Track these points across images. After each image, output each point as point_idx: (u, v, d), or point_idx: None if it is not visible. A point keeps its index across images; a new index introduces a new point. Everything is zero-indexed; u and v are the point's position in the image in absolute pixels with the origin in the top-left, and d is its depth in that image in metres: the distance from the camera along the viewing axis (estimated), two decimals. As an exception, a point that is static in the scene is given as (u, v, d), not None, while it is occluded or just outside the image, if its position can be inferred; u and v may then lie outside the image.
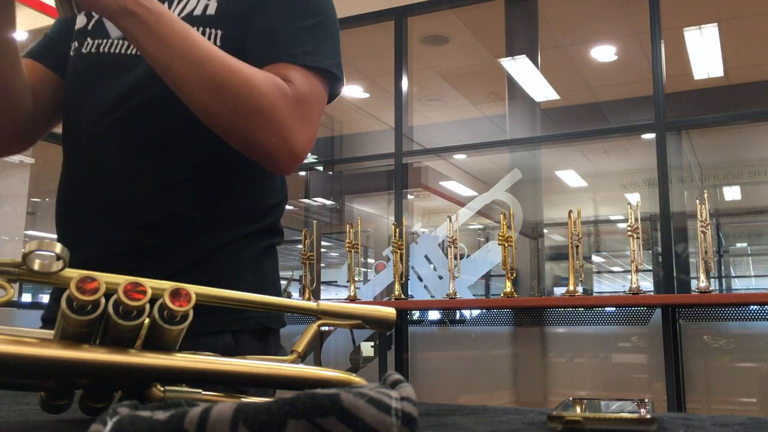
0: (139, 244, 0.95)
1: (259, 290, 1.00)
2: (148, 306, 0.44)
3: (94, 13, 1.05)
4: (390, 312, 0.54)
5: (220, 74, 0.87)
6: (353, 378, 0.51)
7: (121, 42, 1.02)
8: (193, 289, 0.46)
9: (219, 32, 0.97)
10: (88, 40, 1.05)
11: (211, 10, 1.00)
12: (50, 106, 1.08)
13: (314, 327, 0.53)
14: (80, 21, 1.09)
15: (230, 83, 0.87)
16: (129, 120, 0.98)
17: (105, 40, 1.04)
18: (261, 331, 1.00)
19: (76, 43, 1.07)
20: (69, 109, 1.06)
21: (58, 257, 0.46)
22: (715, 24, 5.04)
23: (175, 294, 0.45)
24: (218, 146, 0.94)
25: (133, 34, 0.85)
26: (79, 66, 1.06)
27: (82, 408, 0.49)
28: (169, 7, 1.01)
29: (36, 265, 0.46)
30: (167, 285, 0.46)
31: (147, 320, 0.45)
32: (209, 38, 0.97)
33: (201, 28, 0.97)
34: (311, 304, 0.52)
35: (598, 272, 9.69)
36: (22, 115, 1.02)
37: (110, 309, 0.43)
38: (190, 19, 0.98)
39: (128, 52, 1.01)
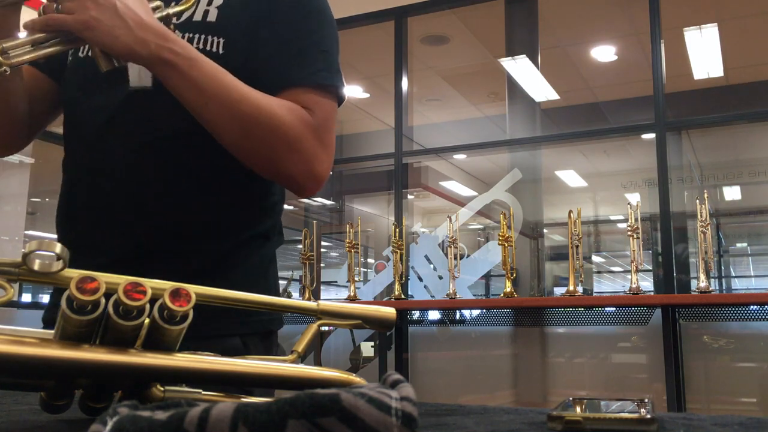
0: (144, 249, 0.95)
1: (264, 292, 1.01)
2: (148, 306, 0.44)
3: None
4: (390, 312, 0.54)
5: (251, 114, 0.90)
6: (353, 378, 0.51)
7: None
8: (193, 289, 0.46)
9: (221, 40, 0.98)
10: None
11: (211, 17, 1.00)
12: (44, 109, 1.09)
13: (314, 327, 0.53)
14: None
15: (260, 121, 0.91)
16: (133, 125, 0.98)
17: None
18: (265, 333, 1.01)
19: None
20: (71, 113, 1.06)
21: (58, 257, 0.46)
22: (715, 24, 5.04)
23: (175, 294, 0.45)
24: (223, 151, 0.95)
25: (168, 81, 0.88)
26: (78, 70, 1.05)
27: (82, 408, 0.49)
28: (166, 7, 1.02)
29: (36, 265, 0.45)
30: (167, 285, 0.46)
31: (147, 320, 0.45)
32: (211, 46, 0.98)
33: (202, 35, 0.98)
34: (311, 304, 0.52)
35: (598, 272, 9.69)
36: (18, 119, 1.03)
37: (110, 309, 0.43)
38: (190, 25, 0.99)
39: None
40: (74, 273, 0.45)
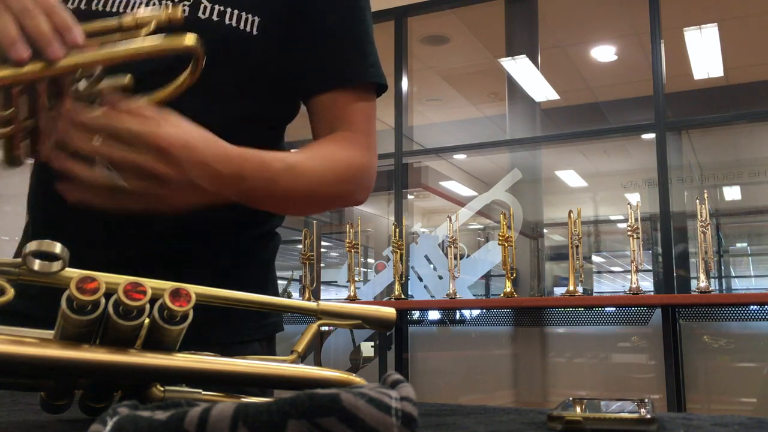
0: (146, 251, 0.88)
1: (268, 292, 0.99)
2: (148, 306, 0.44)
3: None
4: (390, 312, 0.54)
5: (310, 197, 0.86)
6: (353, 378, 0.51)
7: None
8: (193, 290, 0.46)
9: (256, 19, 0.88)
10: None
11: None
12: None
13: (314, 327, 0.53)
14: None
15: (319, 196, 0.88)
16: None
17: None
18: (272, 336, 1.00)
19: None
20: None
21: (58, 257, 0.46)
22: (715, 24, 5.04)
23: (175, 294, 0.45)
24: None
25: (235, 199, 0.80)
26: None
27: (82, 408, 0.49)
28: None
29: (36, 265, 0.45)
30: (167, 285, 0.46)
31: (147, 320, 0.45)
32: (244, 24, 0.87)
33: (235, 10, 0.87)
34: (311, 304, 0.52)
35: (598, 272, 9.68)
36: None
37: (110, 309, 0.43)
38: (222, 1, 0.88)
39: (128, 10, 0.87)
40: (74, 273, 0.45)
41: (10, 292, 0.45)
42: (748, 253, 8.56)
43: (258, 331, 0.95)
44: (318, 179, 0.85)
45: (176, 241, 0.89)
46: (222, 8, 0.87)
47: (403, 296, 4.34)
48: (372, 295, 4.80)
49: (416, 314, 4.70)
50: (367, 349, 5.01)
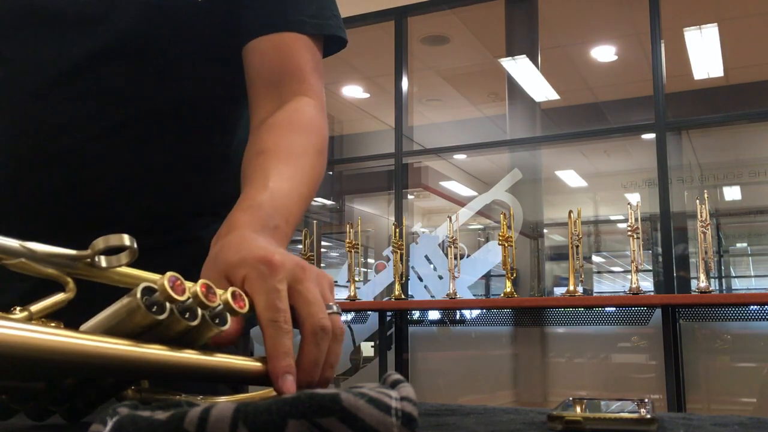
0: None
1: None
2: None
3: None
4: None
5: (312, 187, 0.78)
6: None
7: None
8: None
9: None
10: None
11: None
12: None
13: None
14: None
15: (319, 175, 0.79)
16: (94, 98, 0.79)
17: None
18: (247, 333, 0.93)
19: None
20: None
21: (125, 248, 0.44)
22: (715, 24, 5.04)
23: (234, 296, 0.46)
24: (206, 133, 0.86)
25: None
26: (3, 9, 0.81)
27: (63, 415, 0.49)
28: None
29: (103, 261, 0.45)
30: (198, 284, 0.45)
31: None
32: None
33: None
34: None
35: (598, 272, 9.68)
36: None
37: (202, 311, 0.44)
38: None
39: None
40: (133, 271, 0.46)
41: (73, 290, 0.44)
42: (748, 253, 8.57)
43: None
44: (312, 167, 0.78)
45: (140, 237, 0.83)
46: None
47: (403, 296, 4.34)
48: (372, 295, 4.80)
49: (416, 314, 4.70)
50: (367, 349, 5.01)
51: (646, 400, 0.47)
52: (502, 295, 3.92)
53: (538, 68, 5.37)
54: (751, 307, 3.87)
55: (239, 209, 0.66)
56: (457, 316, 4.76)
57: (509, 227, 4.00)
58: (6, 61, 0.80)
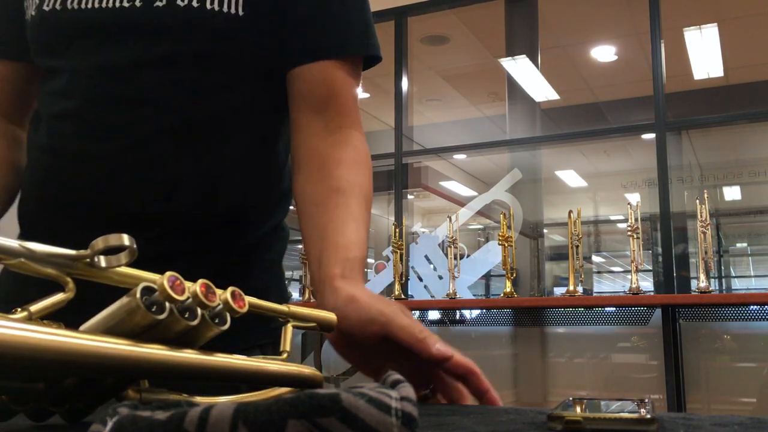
0: (169, 248, 0.82)
1: (280, 289, 0.98)
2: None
3: None
4: (330, 315, 0.56)
5: (369, 206, 0.83)
6: (316, 372, 0.51)
7: None
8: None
9: None
10: None
11: None
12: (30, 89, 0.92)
13: (289, 327, 0.54)
14: None
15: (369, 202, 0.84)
16: (139, 107, 0.81)
17: None
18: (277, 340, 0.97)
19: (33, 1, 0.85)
20: (56, 79, 0.85)
21: (125, 248, 0.44)
22: (715, 24, 5.04)
23: (234, 295, 0.45)
24: (254, 138, 0.87)
25: None
26: (44, 30, 0.84)
27: (63, 415, 0.49)
28: None
29: (103, 261, 0.45)
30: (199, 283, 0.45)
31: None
32: (228, 6, 0.80)
33: None
34: (282, 308, 0.54)
35: (598, 272, 9.69)
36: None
37: (202, 311, 0.43)
38: None
39: (110, 5, 0.80)
40: (133, 271, 0.46)
41: (72, 290, 0.44)
42: (748, 253, 8.57)
43: (264, 336, 0.93)
44: (368, 191, 0.84)
45: (176, 240, 0.84)
46: None
47: (403, 296, 4.34)
48: (372, 295, 4.79)
49: (416, 314, 4.70)
50: (367, 349, 5.01)
51: (646, 400, 0.47)
52: (502, 295, 3.92)
53: (538, 68, 5.37)
54: (751, 307, 3.87)
55: (347, 268, 0.73)
56: (457, 316, 4.76)
57: (509, 227, 4.00)
58: (63, 72, 0.83)
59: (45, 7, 0.82)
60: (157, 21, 0.80)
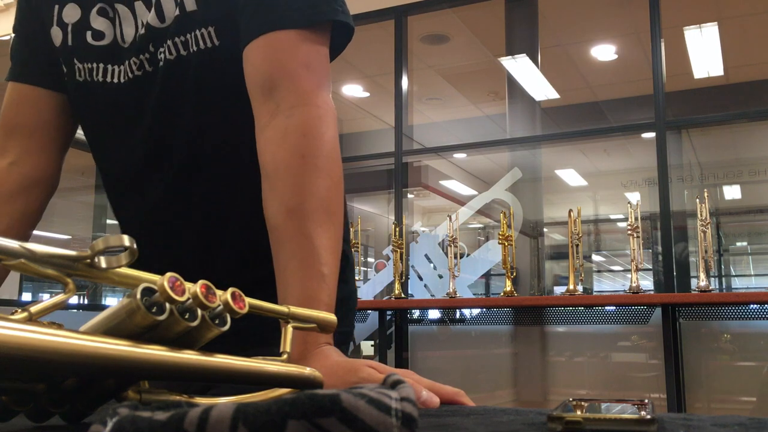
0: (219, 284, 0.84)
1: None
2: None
3: (66, 21, 0.92)
4: (331, 317, 0.57)
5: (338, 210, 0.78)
6: (315, 373, 0.51)
7: (117, 69, 0.90)
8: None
9: (211, 29, 0.84)
10: (77, 64, 0.92)
11: (189, 5, 0.84)
12: (69, 128, 0.99)
13: (289, 328, 0.54)
14: (56, 35, 0.93)
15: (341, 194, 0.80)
16: (184, 168, 0.89)
17: (94, 65, 0.91)
18: None
19: (65, 68, 0.94)
20: (98, 156, 0.97)
21: (126, 249, 0.44)
22: (715, 23, 5.04)
23: (234, 296, 0.46)
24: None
25: None
26: (84, 101, 0.94)
27: (63, 416, 0.49)
28: (147, 11, 0.87)
29: (103, 262, 0.45)
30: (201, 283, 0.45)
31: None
32: (205, 41, 0.84)
33: (192, 33, 0.84)
34: (282, 308, 0.54)
35: (598, 271, 9.69)
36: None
37: (202, 312, 0.44)
38: (176, 24, 0.85)
39: (127, 77, 0.90)
40: (135, 272, 0.46)
41: (72, 291, 0.44)
42: (748, 252, 8.57)
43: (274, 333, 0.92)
44: (335, 179, 0.78)
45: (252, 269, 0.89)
46: (182, 38, 0.84)
47: (403, 295, 4.34)
48: (372, 294, 4.80)
49: (416, 313, 4.70)
50: (367, 348, 5.01)
51: (646, 401, 0.47)
52: (502, 294, 3.92)
53: (538, 67, 5.37)
54: (751, 306, 3.87)
55: (308, 342, 0.70)
56: (457, 315, 4.76)
57: (509, 226, 4.00)
58: (107, 149, 0.95)
59: (78, 77, 0.93)
60: (163, 77, 0.89)
